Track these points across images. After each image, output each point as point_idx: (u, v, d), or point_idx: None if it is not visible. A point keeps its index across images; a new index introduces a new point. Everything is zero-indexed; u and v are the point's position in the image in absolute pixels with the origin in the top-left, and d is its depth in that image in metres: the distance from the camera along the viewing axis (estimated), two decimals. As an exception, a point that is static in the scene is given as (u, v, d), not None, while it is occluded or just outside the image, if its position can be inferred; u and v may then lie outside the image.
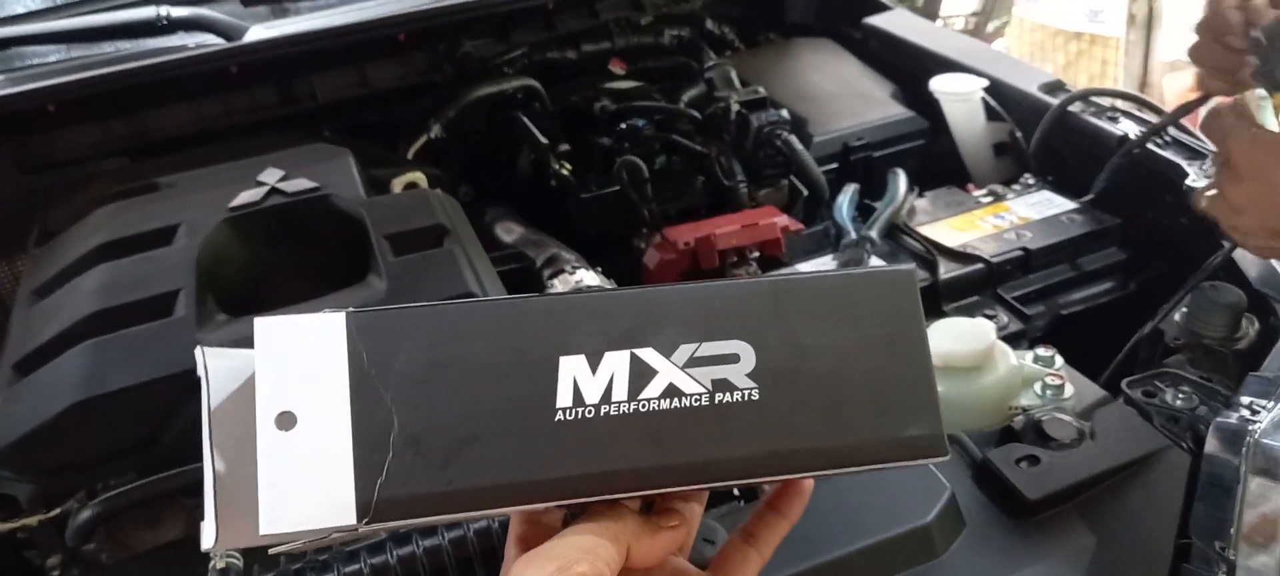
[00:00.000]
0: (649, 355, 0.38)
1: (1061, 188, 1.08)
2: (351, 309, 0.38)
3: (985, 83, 1.18)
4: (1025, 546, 0.62)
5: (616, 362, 0.37)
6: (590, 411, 0.37)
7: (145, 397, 0.80)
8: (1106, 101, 1.11)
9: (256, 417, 0.36)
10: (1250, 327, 0.76)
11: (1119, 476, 0.65)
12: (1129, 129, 1.04)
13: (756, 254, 1.04)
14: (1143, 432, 0.68)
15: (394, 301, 0.87)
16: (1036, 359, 0.77)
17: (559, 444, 0.36)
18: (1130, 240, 1.00)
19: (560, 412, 0.37)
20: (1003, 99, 1.18)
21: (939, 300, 0.93)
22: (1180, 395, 0.72)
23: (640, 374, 0.37)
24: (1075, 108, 1.11)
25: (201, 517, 0.89)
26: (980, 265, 0.95)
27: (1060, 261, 0.98)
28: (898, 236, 1.01)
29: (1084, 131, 1.08)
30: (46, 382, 0.83)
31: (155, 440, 0.81)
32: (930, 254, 0.97)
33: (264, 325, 0.37)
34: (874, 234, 0.99)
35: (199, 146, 1.25)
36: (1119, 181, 1.02)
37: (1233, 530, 0.59)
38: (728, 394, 0.38)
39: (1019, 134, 1.15)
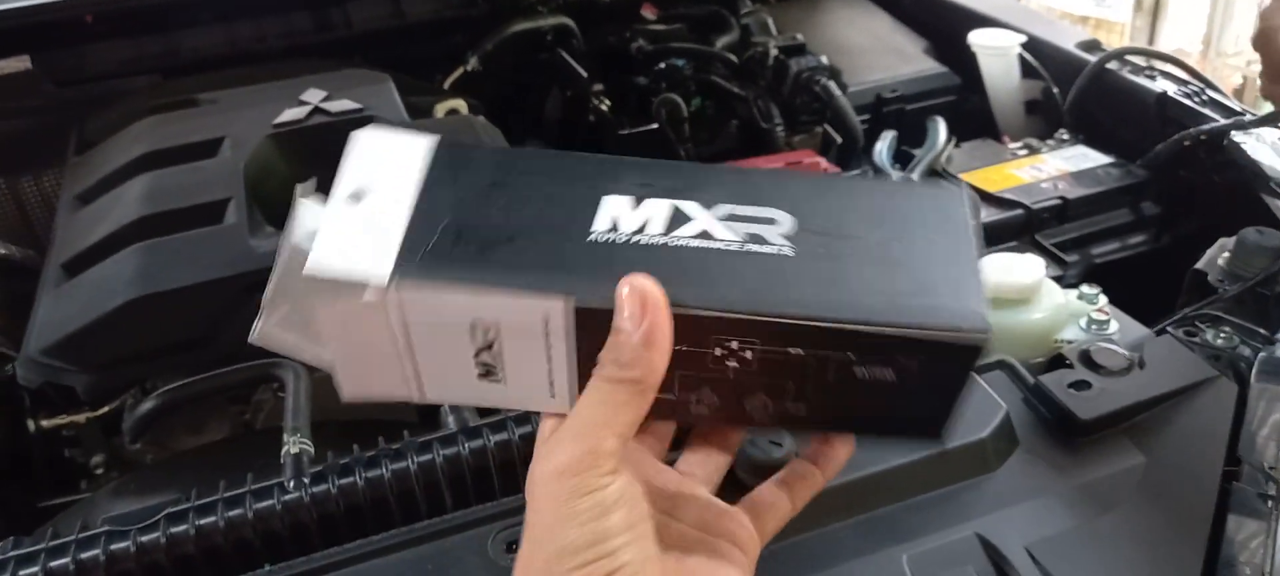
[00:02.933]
0: (690, 206, 0.39)
1: (1095, 144, 1.09)
2: (438, 141, 0.42)
3: (1023, 38, 1.19)
4: (1076, 463, 0.63)
5: (657, 207, 0.39)
6: (622, 238, 0.38)
7: (200, 298, 0.81)
8: (1142, 61, 1.12)
9: (332, 195, 0.40)
10: (1290, 271, 0.78)
11: (1168, 402, 0.67)
12: (1167, 87, 1.05)
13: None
14: (1191, 362, 0.69)
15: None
16: (1081, 296, 0.79)
17: (587, 255, 0.38)
18: (1163, 195, 1.01)
19: (593, 234, 0.38)
20: (1039, 55, 1.19)
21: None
22: (1221, 335, 0.74)
23: (677, 218, 0.39)
24: (1112, 66, 1.12)
25: (249, 417, 0.89)
26: (1020, 211, 0.97)
27: (1096, 212, 1.00)
28: (938, 181, 1.03)
29: (1121, 89, 1.09)
30: (100, 280, 0.84)
31: (209, 341, 0.82)
32: (971, 199, 0.98)
33: (362, 133, 0.42)
34: (916, 177, 1.00)
35: (231, 69, 1.25)
36: (1153, 142, 1.03)
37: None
38: (760, 246, 0.38)
39: (1056, 90, 1.16)
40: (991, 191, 0.99)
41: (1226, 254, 0.80)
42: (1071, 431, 0.65)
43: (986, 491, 0.62)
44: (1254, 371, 0.67)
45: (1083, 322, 0.77)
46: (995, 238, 0.95)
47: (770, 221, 0.39)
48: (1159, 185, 1.02)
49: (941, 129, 1.07)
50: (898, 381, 0.38)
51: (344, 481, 0.61)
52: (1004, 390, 0.69)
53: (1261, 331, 0.74)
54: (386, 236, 0.38)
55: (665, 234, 0.38)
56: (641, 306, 0.36)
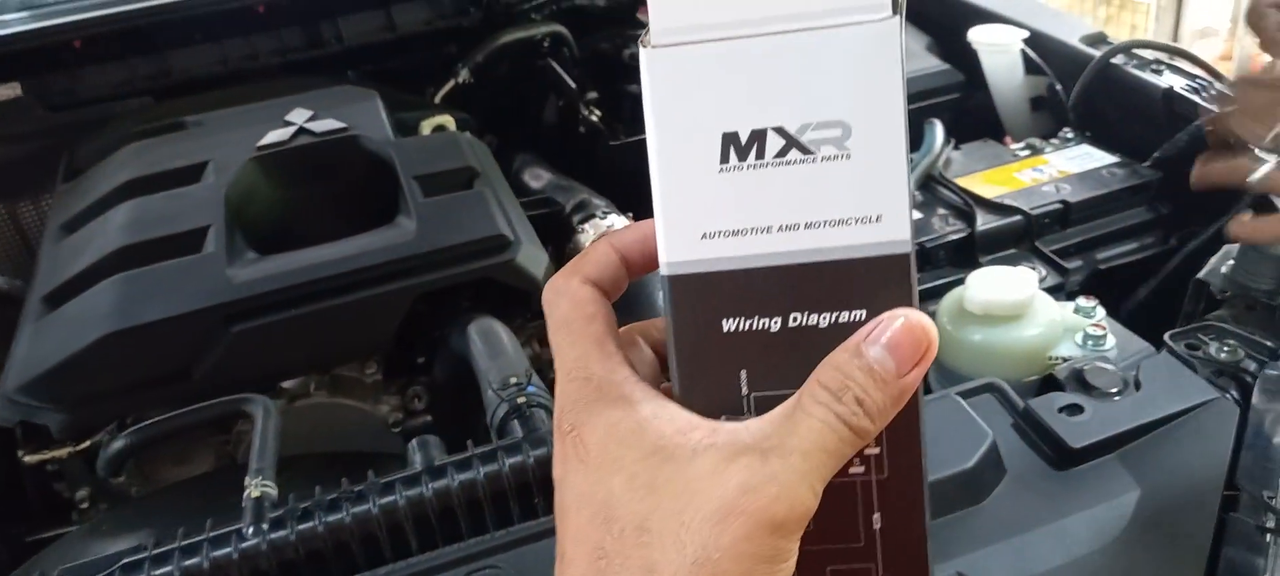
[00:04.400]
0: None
1: (1100, 142, 1.05)
2: None
3: (1025, 34, 1.15)
4: (1068, 493, 0.61)
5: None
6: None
7: (176, 331, 0.80)
8: (1150, 55, 1.08)
9: None
10: (1299, 281, 0.74)
11: (1164, 426, 0.63)
12: (1174, 82, 1.01)
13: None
14: (1189, 383, 0.66)
15: (426, 244, 0.87)
16: (1077, 309, 0.76)
17: None
18: (1170, 196, 0.98)
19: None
20: (1042, 50, 1.15)
21: (976, 252, 0.92)
22: (1225, 348, 0.71)
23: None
24: (1118, 60, 1.08)
25: (231, 448, 0.87)
26: (1019, 217, 0.94)
27: (1099, 215, 0.96)
28: (934, 188, 1.00)
29: (1127, 84, 1.05)
30: (77, 314, 0.83)
31: (186, 374, 0.81)
32: (968, 205, 0.95)
33: None
34: (912, 185, 0.97)
35: (224, 88, 1.24)
36: (1160, 139, 0.99)
37: (1283, 480, 0.57)
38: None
39: (1059, 87, 1.13)
40: (990, 197, 0.96)
41: (1231, 261, 0.76)
42: (1062, 459, 0.62)
43: (973, 526, 0.59)
44: (1255, 392, 0.64)
45: (1078, 338, 0.74)
46: (994, 245, 0.92)
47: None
48: (1167, 185, 0.98)
49: (938, 133, 1.03)
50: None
51: (303, 527, 0.60)
52: (992, 415, 0.66)
53: (1268, 344, 0.71)
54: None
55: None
56: (914, 357, 0.29)
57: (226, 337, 0.80)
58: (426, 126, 1.08)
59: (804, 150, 0.30)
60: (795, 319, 0.31)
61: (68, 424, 0.79)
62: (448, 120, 1.11)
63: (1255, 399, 0.64)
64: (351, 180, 1.01)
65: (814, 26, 0.29)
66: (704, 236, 0.31)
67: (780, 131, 0.30)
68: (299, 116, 1.05)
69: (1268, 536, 0.55)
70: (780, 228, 0.30)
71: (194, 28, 1.27)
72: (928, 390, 0.77)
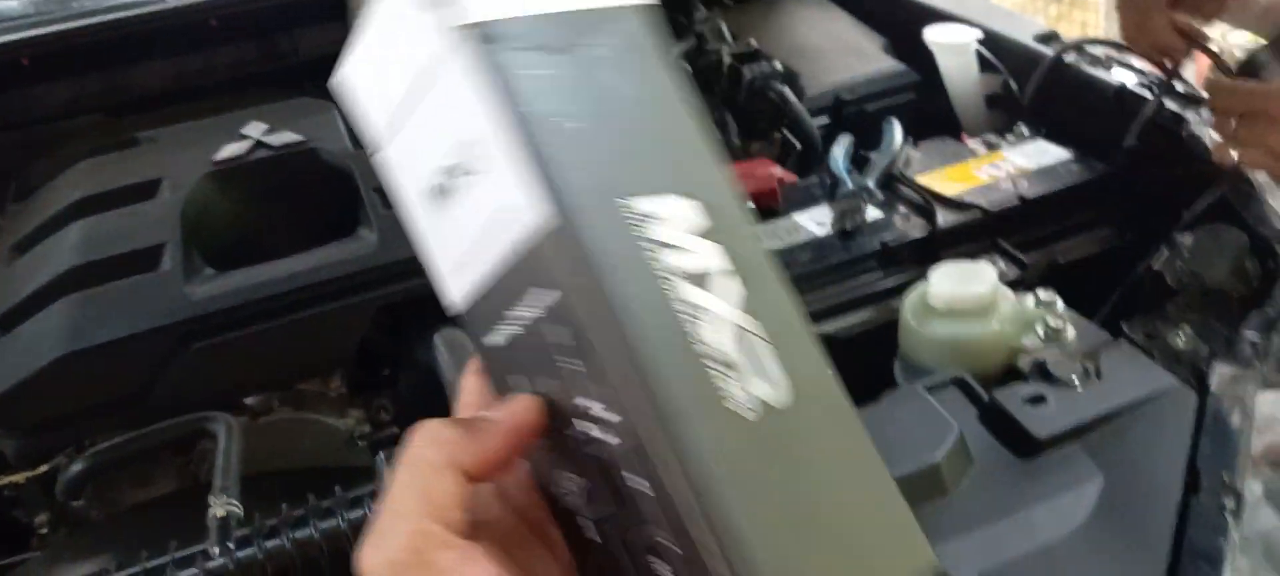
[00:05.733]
0: (730, 285, 0.31)
1: (1055, 137, 1.07)
2: None
3: (979, 34, 1.17)
4: (1033, 482, 0.61)
5: (706, 252, 0.31)
6: (635, 230, 0.30)
7: (132, 351, 0.79)
8: (1101, 52, 1.10)
9: None
10: (1252, 270, 0.76)
11: (1127, 415, 0.65)
12: (1125, 78, 1.03)
13: (752, 205, 1.03)
14: (1149, 371, 0.67)
15: (386, 256, 0.86)
16: (1037, 302, 0.77)
17: (600, 215, 0.30)
18: (1126, 190, 0.99)
19: (626, 205, 0.31)
20: (997, 49, 1.17)
21: (937, 249, 0.93)
22: (1181, 336, 0.72)
23: (700, 277, 0.30)
24: (1070, 58, 1.10)
25: (193, 468, 0.86)
26: (978, 213, 0.95)
27: (1056, 210, 0.98)
28: (895, 186, 1.00)
29: (1080, 81, 1.07)
30: (29, 337, 0.81)
31: (145, 394, 0.79)
32: (928, 203, 0.96)
33: None
34: (871, 184, 0.98)
35: (178, 103, 1.22)
36: (1113, 133, 1.01)
37: (1240, 460, 0.59)
38: (728, 379, 0.30)
39: (1014, 85, 1.14)
40: (949, 195, 0.97)
41: (1186, 252, 0.78)
42: (1027, 449, 0.63)
43: (942, 517, 0.60)
44: (1212, 377, 0.65)
45: (1039, 330, 0.75)
46: (954, 242, 0.93)
47: (771, 380, 0.31)
48: (1122, 180, 1.00)
49: (897, 132, 1.04)
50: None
51: (271, 544, 0.59)
52: (958, 408, 0.67)
53: (1223, 330, 0.72)
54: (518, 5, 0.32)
55: (671, 274, 0.30)
56: (514, 431, 0.33)
57: (185, 356, 0.79)
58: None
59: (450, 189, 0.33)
60: (519, 316, 0.33)
61: (24, 448, 0.77)
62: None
63: (1212, 384, 0.65)
64: (310, 193, 1.00)
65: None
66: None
67: (438, 171, 0.33)
68: (255, 130, 1.04)
69: (1229, 516, 0.56)
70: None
71: (147, 43, 1.25)
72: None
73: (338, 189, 0.99)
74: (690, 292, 0.30)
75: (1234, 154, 0.66)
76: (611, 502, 0.32)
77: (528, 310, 0.32)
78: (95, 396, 0.78)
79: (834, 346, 0.87)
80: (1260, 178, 0.83)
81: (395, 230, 0.88)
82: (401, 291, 0.83)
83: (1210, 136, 0.79)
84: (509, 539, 0.35)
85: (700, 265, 0.30)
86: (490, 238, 0.32)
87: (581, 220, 0.29)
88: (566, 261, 0.30)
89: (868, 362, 0.83)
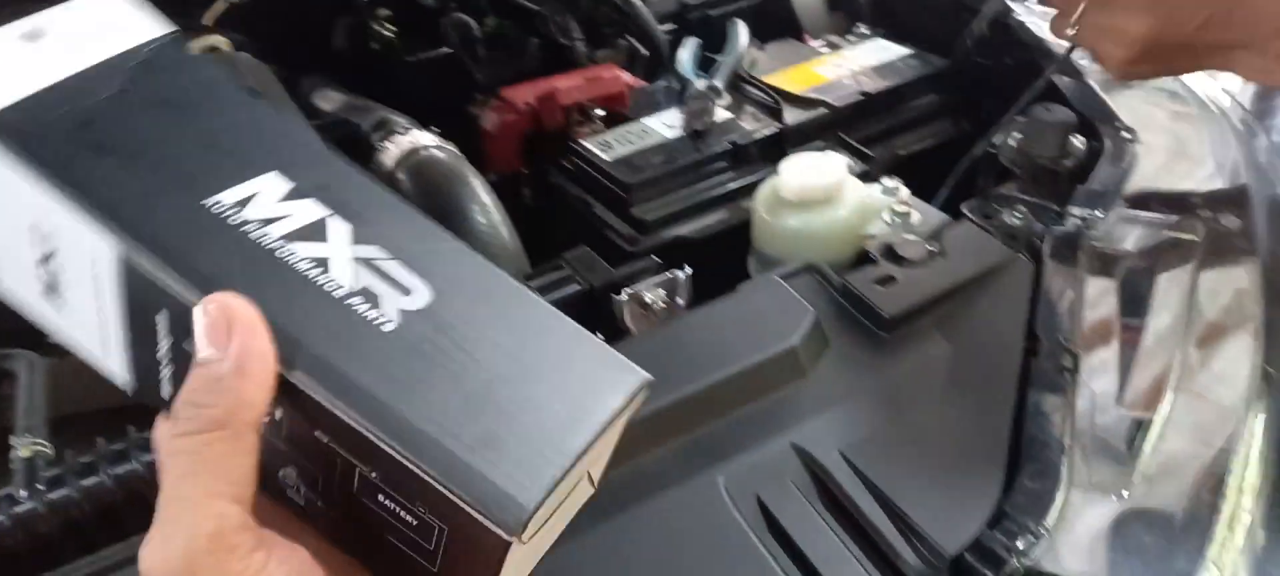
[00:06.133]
0: (338, 226, 0.33)
1: (894, 37, 1.09)
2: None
3: (817, -66, 1.17)
4: (886, 358, 0.63)
5: (306, 211, 0.33)
6: (236, 220, 0.32)
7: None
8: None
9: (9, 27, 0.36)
10: (1078, 147, 0.80)
11: (970, 288, 0.67)
12: (956, -28, 1.06)
13: (601, 112, 1.00)
14: (988, 246, 0.70)
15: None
16: (883, 190, 0.78)
17: (184, 215, 0.32)
18: (964, 83, 1.02)
19: (215, 199, 0.33)
20: (835, -49, 1.18)
21: (785, 146, 0.93)
22: (1016, 215, 0.75)
23: (312, 231, 0.33)
24: (904, -43, 1.12)
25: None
26: (824, 110, 0.96)
27: (897, 105, 1.00)
28: (742, 87, 1.00)
29: (915, -21, 1.09)
30: None
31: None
32: (775, 102, 0.96)
33: None
34: (719, 84, 0.97)
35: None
36: (948, 30, 1.04)
37: (1074, 323, 0.61)
38: (365, 306, 0.32)
39: (851, -16, 1.16)
40: (795, 92, 0.98)
41: (1017, 134, 0.81)
42: (880, 327, 0.64)
43: (801, 399, 0.61)
44: (1046, 249, 0.68)
45: (886, 216, 0.76)
46: (801, 138, 0.94)
47: (404, 290, 0.33)
48: (958, 74, 1.03)
49: (742, 33, 1.04)
50: (418, 533, 0.31)
51: (88, 482, 0.53)
52: (813, 293, 0.67)
53: (1054, 207, 0.76)
54: (18, 82, 0.33)
55: (284, 240, 0.32)
56: (227, 327, 0.29)
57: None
58: (195, 48, 0.98)
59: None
60: (166, 353, 0.33)
61: None
62: (221, 41, 1.00)
63: (1045, 255, 0.68)
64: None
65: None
66: None
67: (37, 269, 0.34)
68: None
69: (1066, 375, 0.59)
70: None
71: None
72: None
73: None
74: (306, 249, 0.32)
75: (1070, 32, 0.68)
76: (320, 465, 0.32)
77: (164, 340, 0.32)
78: None
79: (692, 248, 0.86)
80: (1085, 61, 0.86)
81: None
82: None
83: (1046, 14, 0.81)
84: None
85: (303, 221, 0.33)
86: (102, 300, 0.32)
87: (157, 236, 0.31)
88: (151, 279, 0.31)
89: (726, 262, 0.83)
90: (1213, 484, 0.52)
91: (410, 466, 0.29)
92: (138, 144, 0.33)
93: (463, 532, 0.30)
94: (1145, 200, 0.73)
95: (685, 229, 0.87)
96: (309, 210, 0.33)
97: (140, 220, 0.32)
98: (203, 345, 0.29)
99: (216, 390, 0.29)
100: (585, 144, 0.94)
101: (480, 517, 0.29)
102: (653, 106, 1.00)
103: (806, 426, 0.58)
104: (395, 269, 0.33)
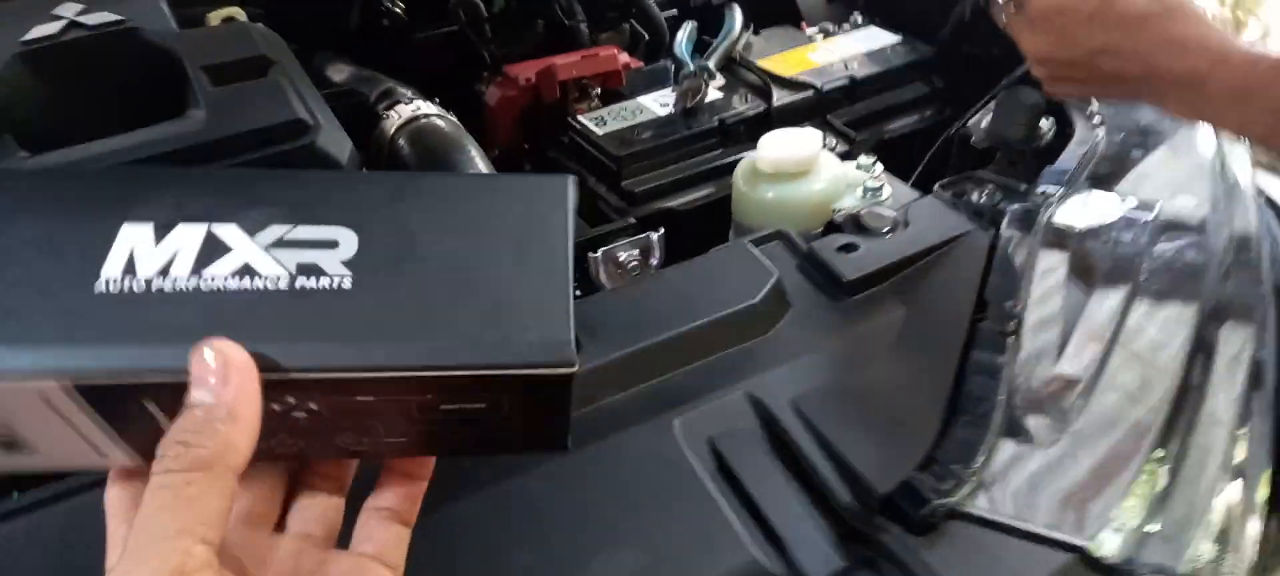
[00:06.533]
0: (228, 231, 0.33)
1: (888, 25, 1.12)
2: None
3: (817, -76, 1.21)
4: (844, 319, 0.66)
5: (187, 236, 0.33)
6: (139, 285, 0.32)
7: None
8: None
9: None
10: (1048, 128, 0.82)
11: (928, 257, 0.70)
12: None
13: (598, 90, 1.04)
14: (949, 219, 0.73)
15: (215, 132, 0.83)
16: (858, 166, 0.82)
17: (93, 313, 0.31)
18: (947, 70, 1.05)
19: (103, 283, 0.32)
20: (834, -59, 1.21)
21: (772, 125, 0.96)
22: (984, 193, 0.78)
23: (212, 250, 0.33)
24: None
25: None
26: (811, 93, 0.99)
27: (883, 90, 1.03)
28: (734, 69, 1.03)
29: (907, -31, 1.12)
30: None
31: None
32: (764, 83, 0.99)
33: None
34: (711, 65, 1.01)
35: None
36: (938, 20, 1.06)
37: (1021, 289, 0.64)
38: (312, 278, 0.33)
39: (848, -25, 1.19)
40: (785, 75, 1.01)
41: (989, 116, 0.84)
42: (839, 291, 0.68)
43: (759, 353, 0.64)
44: (1004, 223, 0.71)
45: (859, 192, 0.79)
46: (787, 119, 0.97)
47: (330, 244, 0.33)
48: (945, 61, 1.06)
49: (737, 16, 1.07)
50: (491, 410, 0.34)
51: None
52: (780, 258, 0.71)
53: (1021, 187, 0.79)
54: None
55: (195, 274, 0.32)
56: (224, 373, 0.30)
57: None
58: (214, 18, 1.03)
59: None
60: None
61: None
62: (237, 11, 1.05)
63: (1003, 228, 0.71)
64: (133, 76, 0.95)
65: None
66: None
67: None
68: (69, 10, 0.97)
69: (1009, 338, 0.62)
70: None
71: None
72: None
73: (162, 71, 0.94)
74: (220, 268, 0.32)
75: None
76: (370, 416, 0.34)
77: (159, 416, 0.32)
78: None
79: (679, 218, 0.90)
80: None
81: (224, 108, 0.85)
82: (230, 165, 0.81)
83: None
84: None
85: (194, 248, 0.33)
86: (75, 421, 0.32)
87: (87, 347, 0.31)
88: (114, 383, 0.31)
89: (711, 233, 0.87)
90: (1136, 438, 0.55)
91: (453, 375, 0.32)
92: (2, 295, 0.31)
93: (530, 390, 0.33)
94: (1107, 180, 0.76)
95: (672, 201, 0.91)
96: (188, 235, 0.33)
97: (55, 343, 0.30)
98: (197, 389, 0.30)
99: (206, 432, 0.30)
100: (581, 120, 0.98)
101: (539, 371, 0.32)
102: (649, 86, 1.04)
103: (762, 378, 0.62)
104: (306, 232, 0.33)
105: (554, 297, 0.33)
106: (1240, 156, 0.79)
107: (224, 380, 0.30)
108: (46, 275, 0.32)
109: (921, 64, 1.05)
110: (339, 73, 1.08)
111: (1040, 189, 0.76)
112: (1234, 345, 0.62)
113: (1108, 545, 0.50)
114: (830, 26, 1.13)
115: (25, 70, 0.92)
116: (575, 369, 0.32)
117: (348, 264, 0.33)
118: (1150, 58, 0.62)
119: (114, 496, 0.35)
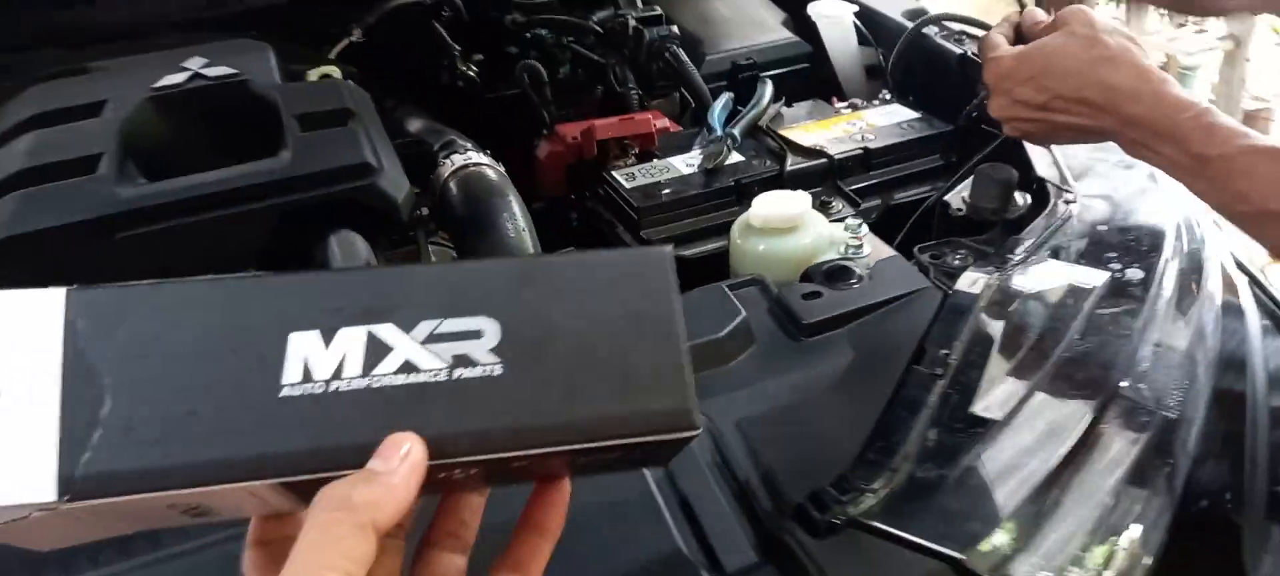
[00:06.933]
0: (386, 331, 0.36)
1: (915, 104, 1.20)
2: (74, 287, 0.37)
3: (855, 8, 1.30)
4: (798, 357, 0.75)
5: (351, 338, 0.36)
6: (319, 387, 0.35)
7: (65, 239, 0.91)
8: (958, 26, 1.23)
9: None
10: (1022, 202, 0.89)
11: (884, 308, 0.78)
12: (969, 49, 1.17)
13: (636, 149, 1.15)
14: (910, 276, 0.81)
15: (297, 170, 0.98)
16: (846, 227, 0.90)
17: (283, 419, 0.35)
18: (959, 146, 1.13)
19: (287, 387, 0.35)
20: (872, 23, 1.30)
21: (784, 187, 1.05)
22: (957, 257, 0.86)
23: (376, 350, 0.36)
24: (930, 31, 1.23)
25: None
26: (823, 160, 1.08)
27: (896, 161, 1.11)
28: (758, 135, 1.14)
29: (932, 52, 1.20)
30: (-19, 224, 0.93)
31: (71, 280, 0.91)
32: (781, 149, 1.09)
33: None
34: (737, 132, 1.11)
35: (132, 40, 1.34)
36: (959, 99, 1.14)
37: (958, 341, 0.72)
38: (468, 369, 0.36)
39: (880, 55, 1.28)
40: (804, 143, 1.10)
41: (968, 188, 0.91)
42: (798, 332, 0.76)
43: (718, 380, 0.73)
44: (960, 280, 0.79)
45: (841, 248, 0.88)
46: (800, 183, 1.06)
47: (476, 335, 0.37)
48: (961, 138, 1.13)
49: (768, 89, 1.17)
50: (624, 460, 0.42)
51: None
52: (754, 301, 0.80)
53: (990, 251, 0.86)
54: (38, 440, 0.33)
55: (365, 375, 0.36)
56: (398, 448, 0.35)
57: (110, 246, 0.91)
58: (313, 75, 1.20)
59: None
60: None
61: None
62: (333, 69, 1.22)
63: (956, 285, 0.78)
64: (239, 120, 1.12)
65: None
66: None
67: None
68: (195, 63, 1.15)
69: (937, 381, 0.69)
70: None
71: (103, -15, 1.36)
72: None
73: (264, 118, 1.10)
74: (385, 366, 0.36)
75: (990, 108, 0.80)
76: (522, 474, 0.41)
77: None
78: (32, 278, 0.90)
79: (692, 266, 1.00)
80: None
81: (307, 150, 1.01)
82: (303, 199, 0.96)
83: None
84: None
85: (360, 349, 0.36)
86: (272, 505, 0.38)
87: (288, 450, 0.35)
88: (313, 481, 0.35)
89: (718, 280, 0.96)
90: (1026, 481, 0.61)
91: (596, 445, 0.37)
92: (178, 395, 0.34)
93: (656, 445, 0.38)
94: (1066, 250, 0.82)
95: (685, 250, 1.01)
96: (352, 338, 0.36)
97: (262, 445, 0.34)
98: (376, 459, 0.34)
99: (370, 483, 0.34)
100: (614, 174, 1.09)
101: (666, 437, 0.37)
102: (681, 148, 1.15)
103: (716, 400, 0.71)
104: (454, 325, 0.37)
105: (673, 366, 0.38)
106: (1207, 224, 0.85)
107: (402, 459, 0.34)
108: (236, 380, 0.35)
109: (935, 138, 1.12)
110: (412, 123, 1.23)
111: (1009, 252, 0.83)
112: (1141, 414, 0.68)
113: (982, 561, 0.57)
114: (859, 102, 1.22)
115: (153, 111, 1.10)
116: (698, 432, 0.38)
117: (495, 351, 0.37)
118: (1096, 105, 0.70)
119: (250, 558, 0.40)
